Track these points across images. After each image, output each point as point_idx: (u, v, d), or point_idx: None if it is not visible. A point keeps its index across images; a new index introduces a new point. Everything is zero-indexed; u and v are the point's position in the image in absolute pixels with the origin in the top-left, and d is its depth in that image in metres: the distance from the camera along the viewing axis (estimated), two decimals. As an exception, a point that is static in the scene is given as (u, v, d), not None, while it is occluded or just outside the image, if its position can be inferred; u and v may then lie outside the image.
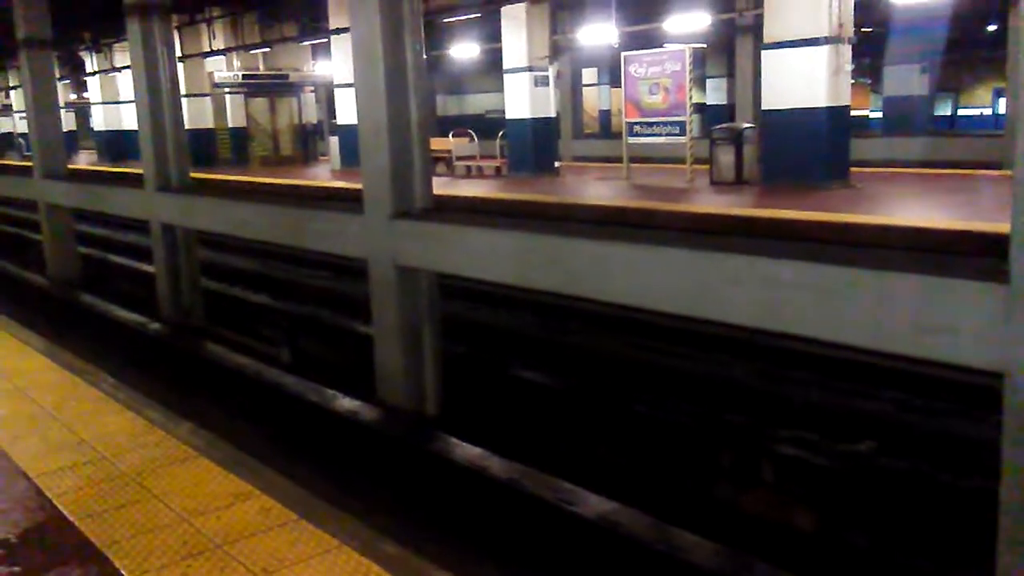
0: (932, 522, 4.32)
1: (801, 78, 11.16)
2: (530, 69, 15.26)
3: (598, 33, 16.90)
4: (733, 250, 3.54)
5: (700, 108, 24.04)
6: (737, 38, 21.13)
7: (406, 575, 2.70)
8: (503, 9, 15.27)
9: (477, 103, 36.87)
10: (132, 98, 8.46)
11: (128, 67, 18.43)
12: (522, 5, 14.84)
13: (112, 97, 25.72)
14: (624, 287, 4.07)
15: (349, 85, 17.45)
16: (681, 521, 4.11)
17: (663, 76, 13.12)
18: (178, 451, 3.73)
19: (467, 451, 5.16)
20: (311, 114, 22.88)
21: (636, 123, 13.73)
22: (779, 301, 3.31)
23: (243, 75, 21.30)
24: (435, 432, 5.43)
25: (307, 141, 22.62)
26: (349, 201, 6.94)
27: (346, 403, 6.04)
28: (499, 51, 16.18)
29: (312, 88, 22.67)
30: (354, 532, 3.00)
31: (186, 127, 8.56)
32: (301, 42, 22.28)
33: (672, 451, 5.33)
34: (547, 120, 15.80)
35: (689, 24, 16.91)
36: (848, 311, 3.13)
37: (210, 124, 22.39)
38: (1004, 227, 2.82)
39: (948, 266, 3.02)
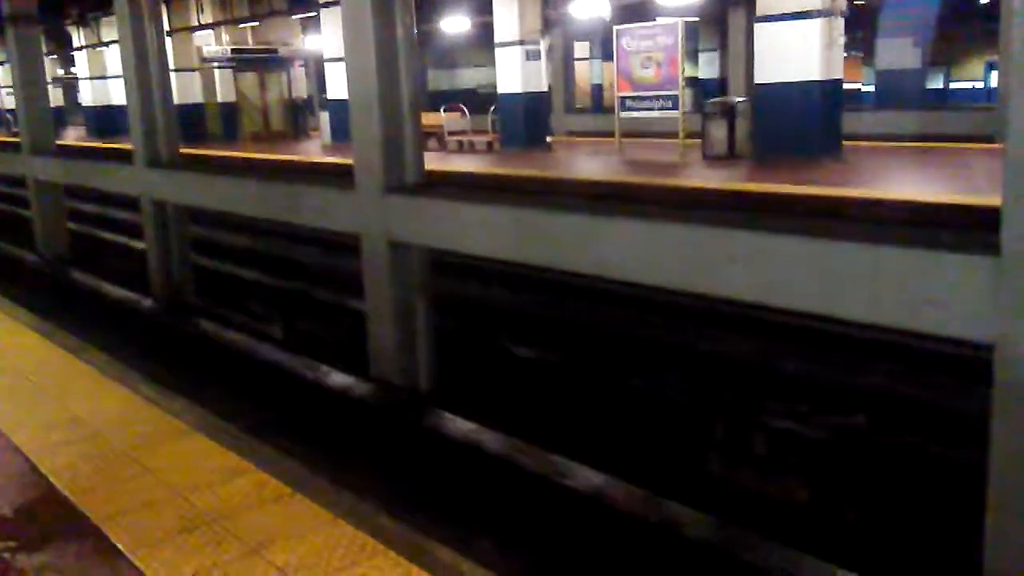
0: (924, 494, 4.36)
1: (794, 52, 11.11)
2: (522, 43, 15.15)
3: (590, 6, 16.79)
4: (729, 225, 3.54)
5: (692, 82, 23.93)
6: (729, 11, 21.03)
7: (402, 549, 2.72)
8: (494, -18, 15.15)
9: (468, 77, 36.62)
10: (120, 73, 8.37)
11: (116, 42, 18.25)
12: (514, -22, 14.72)
13: (100, 72, 25.45)
14: (620, 262, 4.07)
15: (339, 59, 17.32)
16: (675, 494, 4.15)
17: (655, 50, 13.05)
18: (172, 427, 3.74)
19: (461, 425, 5.18)
20: (301, 89, 22.69)
21: (628, 97, 13.67)
22: (775, 276, 3.32)
23: (232, 49, 21.09)
24: (429, 407, 5.45)
25: (297, 116, 22.45)
26: (341, 176, 6.91)
27: (340, 379, 6.05)
28: (490, 25, 16.05)
29: (302, 62, 22.47)
30: (350, 506, 3.02)
31: (175, 102, 8.48)
32: (290, 16, 22.05)
33: (667, 424, 5.37)
34: (539, 94, 15.71)
35: (682, -3, 16.82)
36: (842, 285, 3.14)
37: (199, 99, 22.19)
38: (995, 200, 2.82)
39: (939, 239, 3.03)
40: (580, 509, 4.23)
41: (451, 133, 16.82)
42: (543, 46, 15.64)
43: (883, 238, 3.12)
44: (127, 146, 8.55)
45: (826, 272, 3.19)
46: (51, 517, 3.02)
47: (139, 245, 9.53)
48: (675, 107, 12.98)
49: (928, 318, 2.98)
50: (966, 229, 6.06)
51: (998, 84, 16.20)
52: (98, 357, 4.85)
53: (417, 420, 5.30)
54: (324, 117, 19.06)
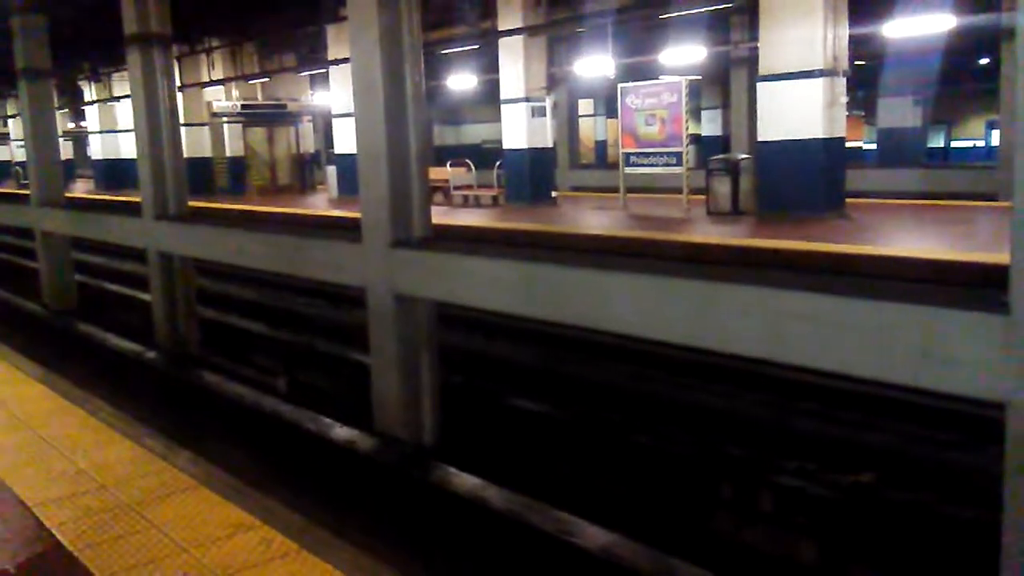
0: (935, 553, 4.30)
1: (796, 110, 11.25)
2: (527, 100, 15.37)
3: (595, 65, 17.05)
4: (737, 281, 3.56)
5: (695, 139, 24.24)
6: (732, 70, 21.34)
7: (409, 607, 2.68)
8: (501, 41, 15.41)
9: (473, 133, 37.10)
10: (130, 127, 8.51)
11: (127, 96, 18.51)
12: (520, 37, 14.99)
13: (110, 126, 25.81)
14: (627, 317, 4.08)
15: (347, 115, 17.56)
16: (682, 552, 4.10)
17: (659, 107, 13.23)
18: (178, 481, 3.70)
19: (465, 481, 5.13)
20: (309, 143, 22.97)
21: (633, 153, 13.81)
22: (783, 332, 3.32)
23: (242, 105, 21.42)
24: (433, 462, 5.41)
25: (304, 170, 22.70)
26: (347, 230, 6.97)
27: (343, 432, 6.02)
28: (496, 82, 16.30)
29: (310, 118, 22.79)
30: (356, 563, 2.98)
31: (184, 156, 8.58)
32: (299, 72, 22.43)
33: (673, 481, 5.32)
34: (544, 150, 15.89)
35: (685, 57, 17.08)
36: (851, 342, 3.14)
37: (208, 153, 22.45)
38: (1003, 258, 2.84)
39: (948, 297, 3.04)
40: (586, 567, 4.17)
41: (457, 188, 16.97)
42: (548, 103, 15.86)
43: (891, 295, 3.13)
44: (136, 199, 8.64)
45: (834, 328, 3.19)
46: (55, 573, 2.98)
47: (144, 296, 9.57)
48: (679, 163, 13.11)
49: (937, 376, 2.97)
50: (973, 287, 6.09)
51: (999, 143, 16.35)
52: (103, 409, 4.83)
53: (422, 475, 5.26)
54: (331, 171, 19.26)
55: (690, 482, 5.26)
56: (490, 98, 22.30)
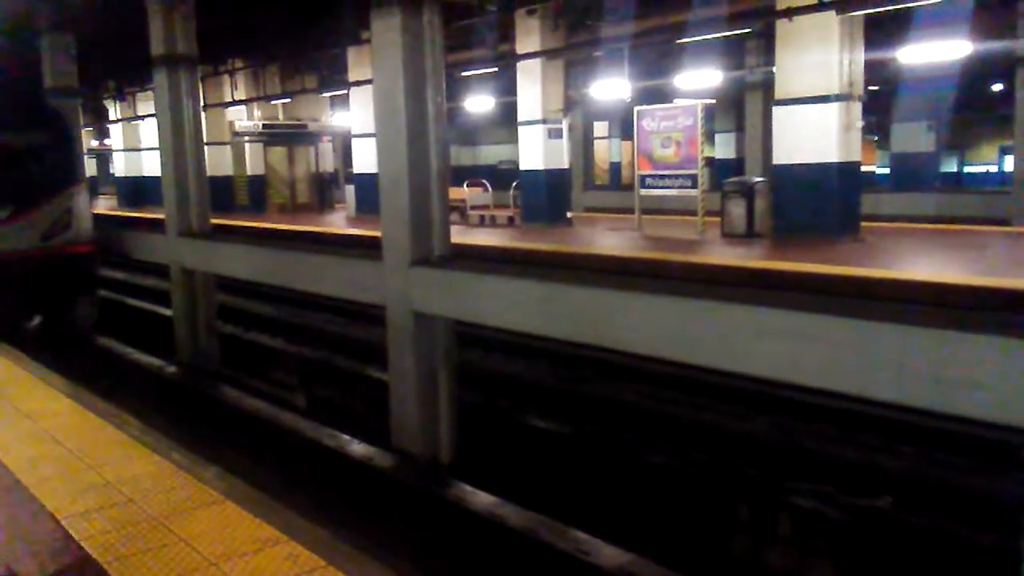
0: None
1: (812, 134, 11.30)
2: (544, 121, 15.48)
3: (611, 88, 17.17)
4: (754, 303, 3.60)
5: (709, 162, 24.27)
6: (747, 94, 21.42)
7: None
8: (519, 64, 15.56)
9: (490, 154, 37.32)
10: (153, 145, 8.67)
11: (151, 115, 18.69)
12: (538, 60, 15.13)
13: (133, 144, 26.10)
14: (645, 338, 4.13)
15: (366, 135, 17.73)
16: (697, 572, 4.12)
17: (675, 130, 13.30)
18: (204, 495, 3.76)
19: (483, 499, 5.18)
20: (328, 163, 23.18)
21: (648, 175, 13.87)
22: (802, 354, 3.36)
23: (263, 124, 21.66)
24: (450, 480, 5.46)
25: (323, 189, 22.88)
26: (367, 248, 7.05)
27: (361, 449, 6.08)
28: (512, 104, 16.42)
29: (329, 138, 23.00)
30: (382, 579, 3.02)
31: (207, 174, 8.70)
32: (320, 93, 22.67)
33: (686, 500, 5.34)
34: (560, 171, 15.98)
35: (700, 80, 17.18)
36: (871, 365, 3.17)
37: (229, 172, 22.66)
38: (1021, 283, 2.88)
39: (968, 321, 3.07)
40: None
41: (473, 207, 17.07)
42: (565, 125, 15.97)
43: (911, 319, 3.17)
44: (157, 215, 8.75)
45: (853, 351, 3.22)
46: (84, 584, 3.04)
47: (161, 311, 9.65)
48: (694, 186, 13.16)
49: (957, 400, 3.00)
50: (994, 311, 6.08)
51: (1013, 168, 16.31)
52: (130, 423, 4.90)
53: (440, 493, 5.30)
54: (350, 190, 19.44)
55: (703, 502, 5.27)
56: (506, 120, 22.43)
